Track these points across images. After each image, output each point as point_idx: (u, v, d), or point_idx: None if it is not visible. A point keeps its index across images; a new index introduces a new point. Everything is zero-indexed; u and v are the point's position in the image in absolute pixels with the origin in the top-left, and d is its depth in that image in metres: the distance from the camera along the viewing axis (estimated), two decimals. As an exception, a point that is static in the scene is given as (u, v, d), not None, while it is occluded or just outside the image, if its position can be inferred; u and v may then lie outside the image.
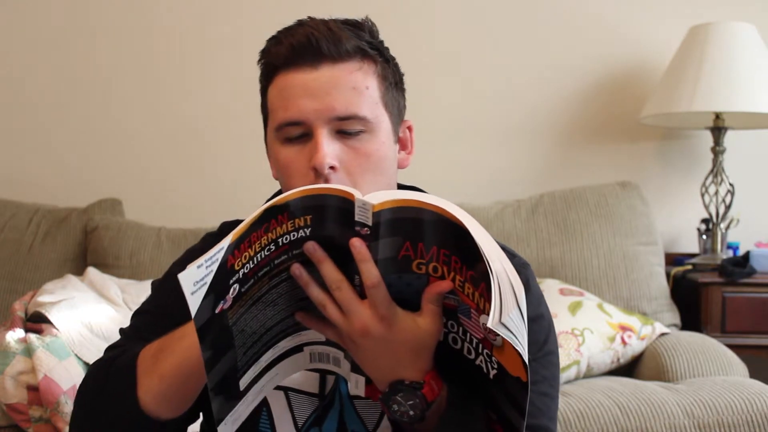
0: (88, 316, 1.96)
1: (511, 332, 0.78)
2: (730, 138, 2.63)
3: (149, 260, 2.44)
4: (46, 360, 1.78)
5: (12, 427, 1.81)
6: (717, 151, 2.61)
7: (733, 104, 2.48)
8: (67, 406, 1.74)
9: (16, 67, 2.86)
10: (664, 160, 2.83)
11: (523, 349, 0.79)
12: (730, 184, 2.59)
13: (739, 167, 2.70)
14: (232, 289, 0.83)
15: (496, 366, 0.86)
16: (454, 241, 0.83)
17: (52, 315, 1.89)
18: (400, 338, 0.87)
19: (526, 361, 0.79)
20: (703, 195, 2.60)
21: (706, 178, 2.61)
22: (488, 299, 0.81)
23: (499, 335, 0.80)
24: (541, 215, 2.52)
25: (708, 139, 2.66)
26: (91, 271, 2.26)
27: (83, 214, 2.58)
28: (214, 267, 0.79)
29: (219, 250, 0.79)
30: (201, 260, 0.78)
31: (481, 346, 0.87)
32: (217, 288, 0.80)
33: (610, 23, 2.80)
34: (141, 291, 2.19)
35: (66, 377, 1.78)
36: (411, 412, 0.88)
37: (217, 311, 0.82)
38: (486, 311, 0.82)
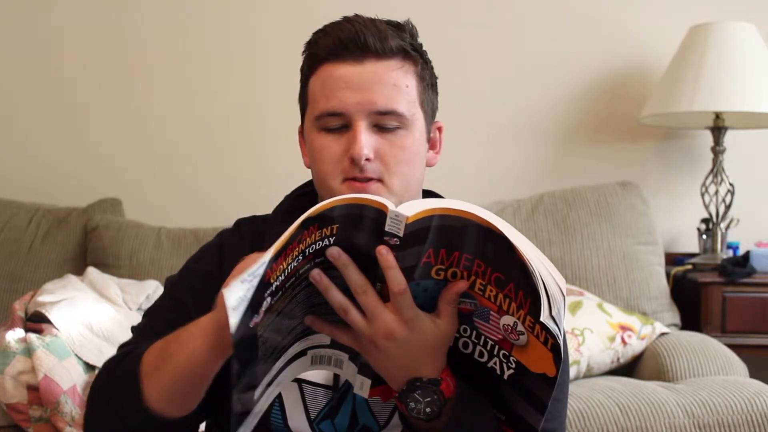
0: (88, 316, 1.96)
1: (557, 325, 0.79)
2: (730, 138, 2.62)
3: (149, 260, 2.44)
4: (46, 360, 1.78)
5: (12, 427, 1.81)
6: (717, 151, 2.60)
7: (733, 104, 2.48)
8: (67, 406, 1.75)
9: (16, 67, 2.86)
10: (664, 160, 2.83)
11: (563, 342, 0.80)
12: (730, 184, 2.58)
13: (739, 167, 2.69)
14: (265, 303, 0.83)
15: (513, 366, 0.87)
16: (482, 244, 0.84)
17: (52, 315, 1.89)
18: (421, 339, 0.89)
19: (562, 353, 0.81)
20: (703, 195, 2.60)
21: (706, 178, 2.61)
22: (514, 299, 0.83)
23: (523, 334, 0.83)
24: (541, 215, 2.52)
25: (708, 139, 2.66)
26: (91, 271, 2.25)
27: (83, 214, 2.58)
28: (256, 282, 0.79)
29: (261, 265, 0.79)
30: (244, 275, 0.78)
31: (497, 347, 0.89)
32: (254, 302, 0.80)
33: (610, 23, 2.80)
34: (141, 291, 2.18)
35: (66, 377, 1.78)
36: (428, 410, 0.90)
37: (251, 325, 0.81)
38: (510, 311, 0.84)
